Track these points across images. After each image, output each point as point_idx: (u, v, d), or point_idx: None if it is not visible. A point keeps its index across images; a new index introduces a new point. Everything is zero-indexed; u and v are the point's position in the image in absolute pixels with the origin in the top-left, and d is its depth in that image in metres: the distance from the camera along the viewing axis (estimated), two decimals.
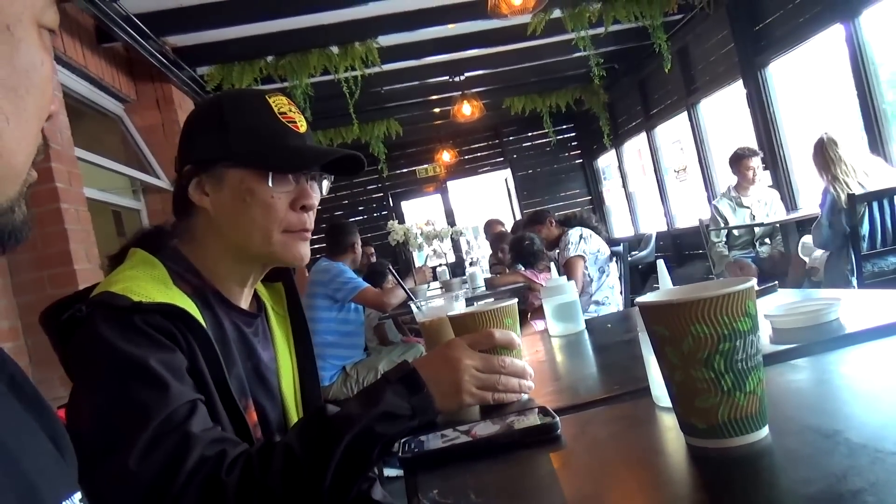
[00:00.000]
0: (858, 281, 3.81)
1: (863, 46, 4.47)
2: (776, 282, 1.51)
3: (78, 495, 0.44)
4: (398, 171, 9.58)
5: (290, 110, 1.05)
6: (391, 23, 5.09)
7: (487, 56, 6.50)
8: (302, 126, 1.05)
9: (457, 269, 8.09)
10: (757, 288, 0.64)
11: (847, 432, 0.58)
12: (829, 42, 4.84)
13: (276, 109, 1.03)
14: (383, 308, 3.89)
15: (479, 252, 8.61)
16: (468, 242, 8.72)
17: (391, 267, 2.19)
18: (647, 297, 0.66)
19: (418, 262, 6.44)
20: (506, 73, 7.10)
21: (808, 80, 5.56)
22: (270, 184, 1.00)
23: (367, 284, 3.87)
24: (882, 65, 4.63)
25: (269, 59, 5.20)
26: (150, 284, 0.94)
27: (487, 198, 10.90)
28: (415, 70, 6.49)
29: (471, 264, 7.83)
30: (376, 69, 5.37)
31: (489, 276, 4.92)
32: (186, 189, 1.02)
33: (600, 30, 5.43)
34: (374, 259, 6.13)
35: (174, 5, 4.23)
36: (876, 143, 4.52)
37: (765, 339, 1.00)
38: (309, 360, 1.18)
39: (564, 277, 1.63)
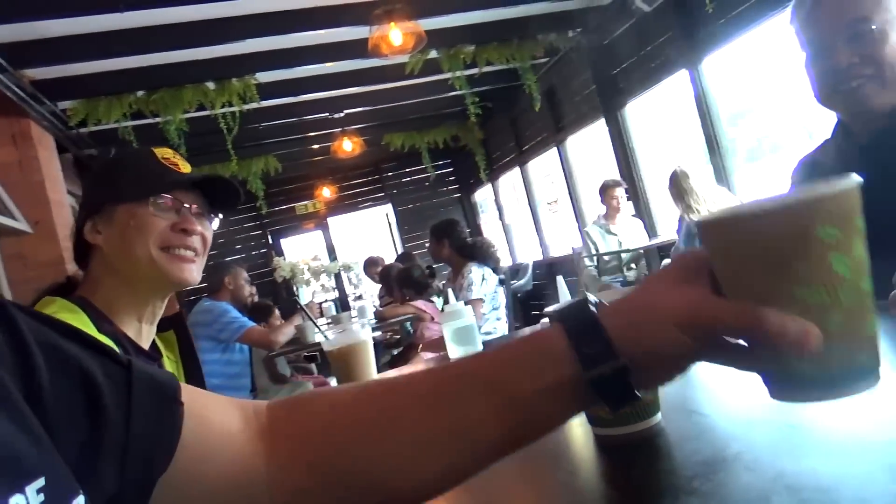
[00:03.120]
0: None
1: (705, 89, 5.01)
2: None
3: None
4: (277, 209, 9.42)
5: (174, 156, 1.18)
6: (269, 59, 5.08)
7: (367, 94, 6.61)
8: (184, 168, 1.18)
9: (343, 304, 8.03)
10: None
11: (724, 410, 0.70)
12: (677, 85, 5.39)
13: (159, 156, 1.16)
14: (270, 346, 3.82)
15: (364, 287, 8.60)
16: (356, 276, 8.69)
17: (299, 303, 2.18)
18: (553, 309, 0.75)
19: (303, 299, 6.34)
20: (385, 110, 7.25)
21: (662, 119, 6.12)
22: (151, 208, 1.12)
23: (252, 323, 3.78)
24: (722, 105, 5.21)
25: (140, 93, 5.00)
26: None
27: (369, 233, 10.94)
28: (294, 107, 6.47)
29: (357, 298, 7.80)
30: (254, 105, 5.32)
31: (379, 308, 4.96)
32: (83, 234, 1.14)
33: (474, 70, 5.71)
34: (255, 299, 5.97)
35: (34, 36, 4.00)
36: (720, 175, 5.05)
37: None
38: None
39: (462, 302, 1.71)
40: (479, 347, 1.63)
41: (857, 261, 0.44)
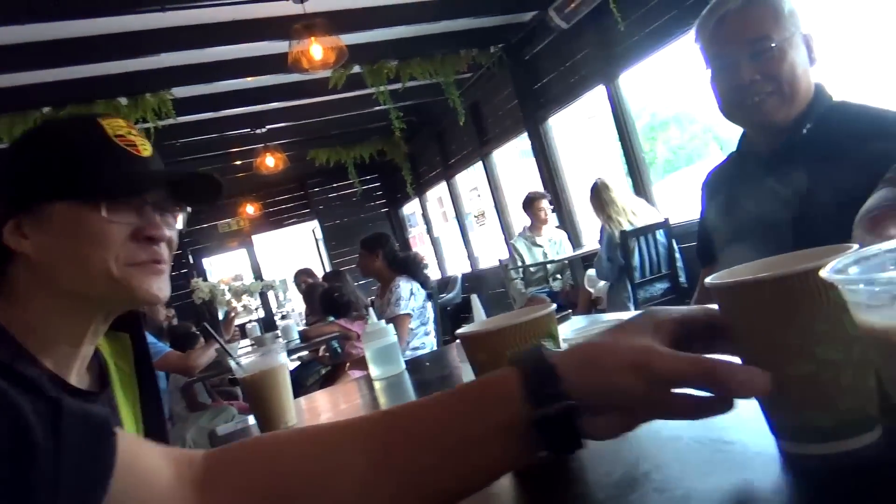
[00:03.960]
0: (635, 306, 4.33)
1: (622, 104, 5.18)
2: (570, 310, 1.69)
3: None
4: (199, 227, 9.12)
5: (129, 133, 0.91)
6: (186, 74, 4.93)
7: (290, 109, 6.51)
8: (144, 150, 0.91)
9: (268, 324, 7.83)
10: (556, 315, 0.74)
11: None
12: (596, 99, 5.55)
13: (110, 132, 0.89)
14: (189, 372, 3.66)
15: (291, 305, 8.42)
16: (280, 295, 8.49)
17: (206, 325, 2.09)
18: (467, 329, 0.73)
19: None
20: (309, 125, 7.15)
21: (583, 133, 6.28)
22: (105, 213, 0.86)
23: (168, 349, 3.62)
24: (638, 118, 5.40)
25: (46, 110, 4.74)
26: None
27: (295, 250, 10.73)
28: (214, 122, 6.30)
29: (283, 318, 7.62)
30: (171, 121, 5.14)
31: (304, 328, 4.84)
32: (1, 236, 0.86)
33: (398, 85, 5.71)
34: (174, 322, 5.73)
35: None
36: (638, 186, 5.22)
37: None
38: (160, 431, 1.02)
39: (383, 321, 1.68)
40: (402, 366, 1.60)
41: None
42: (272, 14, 4.33)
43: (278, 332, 4.68)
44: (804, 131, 1.45)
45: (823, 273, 0.32)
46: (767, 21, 1.43)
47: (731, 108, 1.52)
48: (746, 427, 0.60)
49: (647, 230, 4.35)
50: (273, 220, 9.75)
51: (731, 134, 1.70)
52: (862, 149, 1.32)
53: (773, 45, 1.40)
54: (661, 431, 0.65)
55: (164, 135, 5.28)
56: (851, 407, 0.49)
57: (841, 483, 0.47)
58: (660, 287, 4.45)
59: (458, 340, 0.76)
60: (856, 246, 0.51)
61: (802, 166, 1.43)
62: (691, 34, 1.57)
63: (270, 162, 6.50)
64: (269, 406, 1.24)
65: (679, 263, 4.48)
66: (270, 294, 8.85)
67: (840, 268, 0.33)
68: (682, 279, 4.49)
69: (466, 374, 0.88)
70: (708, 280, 0.55)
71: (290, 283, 8.00)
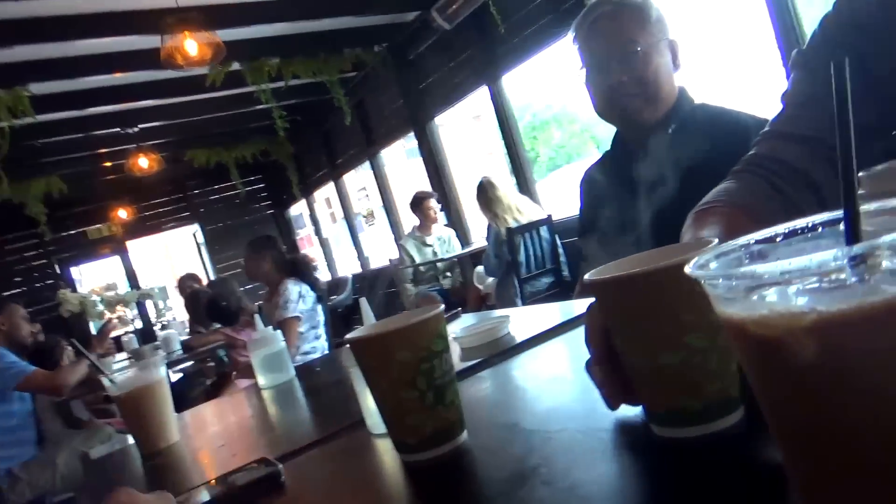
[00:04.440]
0: (522, 301, 4.46)
1: (505, 104, 5.32)
2: (459, 308, 1.72)
3: None
4: (65, 234, 8.46)
5: None
6: (45, 69, 4.54)
7: (164, 107, 6.17)
8: None
9: (147, 335, 7.39)
10: (445, 315, 0.74)
11: (523, 422, 0.71)
12: (480, 100, 5.66)
13: None
14: (59, 392, 3.38)
15: (172, 314, 7.99)
16: (160, 304, 8.03)
17: (73, 340, 1.94)
18: (355, 334, 0.72)
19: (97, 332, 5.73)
20: (186, 124, 6.81)
21: (469, 132, 6.39)
22: None
23: (33, 368, 3.33)
24: (521, 118, 5.57)
25: None
26: None
27: (176, 255, 10.20)
28: (79, 121, 5.86)
29: (163, 328, 7.22)
30: (29, 120, 4.72)
31: (188, 338, 4.61)
32: None
33: (280, 84, 5.56)
34: (40, 337, 5.28)
35: None
36: (523, 184, 5.38)
37: (455, 358, 1.14)
38: None
39: (270, 328, 1.63)
40: (291, 373, 1.56)
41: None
42: (141, 6, 4.09)
43: (158, 343, 4.42)
44: (669, 131, 1.54)
45: (687, 269, 0.34)
46: (635, 26, 1.51)
47: (603, 107, 1.61)
48: (627, 415, 0.62)
49: (532, 227, 4.50)
50: (150, 224, 9.21)
51: (608, 133, 1.79)
52: (720, 148, 1.43)
53: (639, 48, 1.49)
54: (549, 425, 0.67)
55: (21, 135, 4.85)
56: (718, 390, 0.53)
57: (711, 461, 0.51)
58: (545, 281, 4.62)
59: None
60: (716, 241, 0.55)
61: (669, 164, 1.52)
62: (570, 36, 1.63)
63: (144, 163, 6.13)
64: (149, 424, 1.16)
65: (562, 258, 4.66)
66: (149, 303, 8.36)
67: (702, 263, 0.35)
68: (566, 273, 4.67)
69: (356, 378, 0.87)
70: (585, 277, 0.57)
71: (170, 291, 7.59)
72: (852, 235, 0.33)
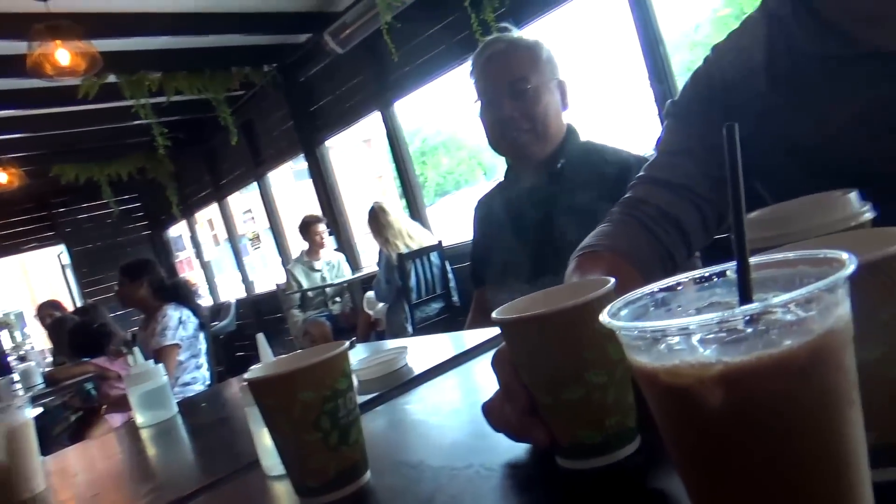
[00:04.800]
0: (412, 326, 4.47)
1: (396, 130, 5.36)
2: (353, 338, 1.69)
3: None
4: None
5: None
6: None
7: (29, 118, 5.71)
8: None
9: (2, 368, 6.70)
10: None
11: (429, 459, 0.71)
12: (372, 124, 5.67)
13: None
14: None
15: (31, 343, 7.32)
16: (17, 334, 7.33)
17: None
18: (254, 373, 0.69)
19: None
20: (54, 137, 6.33)
21: (359, 156, 6.37)
22: None
23: None
24: (411, 143, 5.63)
25: None
26: None
27: (36, 278, 9.39)
28: None
29: (20, 359, 6.59)
30: None
31: (50, 369, 4.22)
32: None
33: (162, 99, 5.30)
34: None
35: None
36: (413, 209, 5.43)
37: None
38: None
39: (151, 361, 1.53)
40: (174, 410, 1.47)
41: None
42: (6, 9, 3.78)
43: (15, 376, 4.02)
44: (559, 166, 1.62)
45: (602, 318, 0.36)
46: (527, 64, 1.59)
47: (495, 139, 1.67)
48: (532, 450, 0.64)
49: (423, 253, 4.53)
50: (7, 244, 8.42)
51: (495, 161, 1.84)
52: (604, 183, 1.52)
53: (529, 86, 1.56)
54: (455, 461, 0.68)
55: None
56: (616, 423, 0.56)
57: (614, 490, 0.53)
58: (435, 307, 4.65)
59: (233, 372, 0.72)
60: (612, 280, 0.58)
61: (558, 197, 1.60)
62: (460, 69, 1.69)
63: (2, 178, 5.63)
64: (11, 472, 1.05)
65: (452, 284, 4.72)
66: (4, 333, 7.61)
67: (613, 312, 0.37)
68: (455, 299, 4.74)
69: (253, 418, 0.83)
70: (494, 314, 0.59)
71: (29, 318, 6.97)
72: (744, 289, 0.35)
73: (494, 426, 0.66)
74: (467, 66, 1.69)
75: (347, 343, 0.71)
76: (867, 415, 0.32)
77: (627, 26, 3.70)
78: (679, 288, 0.40)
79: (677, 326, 0.31)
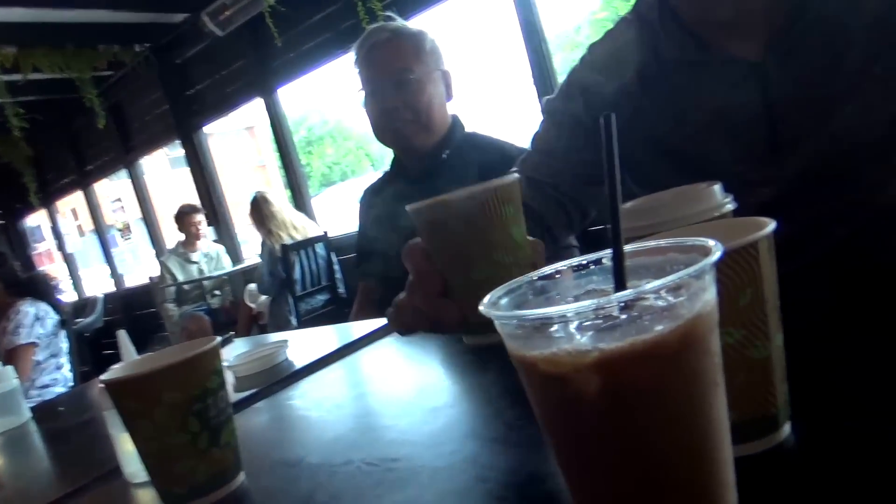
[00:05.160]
0: (297, 319, 4.36)
1: (280, 117, 5.18)
2: (232, 332, 1.62)
3: None
4: None
5: None
6: None
7: None
8: None
9: None
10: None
11: (308, 457, 0.68)
12: (255, 111, 5.46)
13: None
14: None
15: None
16: None
17: None
18: (112, 373, 0.64)
19: None
20: None
21: (241, 144, 6.13)
22: None
23: None
24: (296, 132, 5.47)
25: None
26: None
27: None
28: None
29: None
30: None
31: None
32: None
33: (17, 76, 4.83)
34: None
35: None
36: (298, 199, 5.28)
37: (228, 389, 1.07)
38: None
39: (0, 363, 1.38)
40: (26, 415, 1.34)
41: (523, 231, 0.61)
42: None
43: None
44: (444, 156, 1.62)
45: (481, 308, 0.35)
46: (410, 55, 1.57)
47: (380, 130, 1.65)
48: (413, 443, 0.63)
49: (308, 244, 4.43)
50: None
51: (382, 152, 1.83)
52: (488, 175, 1.54)
53: (412, 76, 1.55)
54: (334, 458, 0.65)
55: None
56: None
57: (493, 484, 0.53)
58: (320, 298, 4.56)
59: (99, 369, 0.66)
60: (516, 175, 0.63)
61: (443, 189, 1.60)
62: (351, 56, 1.65)
63: None
64: None
65: (338, 275, 4.65)
66: None
67: (493, 301, 0.37)
68: (342, 290, 4.66)
69: (112, 421, 0.76)
70: (409, 206, 0.62)
71: None
72: (619, 277, 0.36)
73: (402, 325, 0.67)
74: (353, 54, 1.65)
75: (219, 339, 0.67)
76: (728, 395, 0.33)
77: (512, 23, 3.78)
78: (557, 276, 0.40)
79: (556, 314, 0.31)
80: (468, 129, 1.69)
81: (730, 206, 0.61)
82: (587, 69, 1.10)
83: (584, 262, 0.40)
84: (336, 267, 4.63)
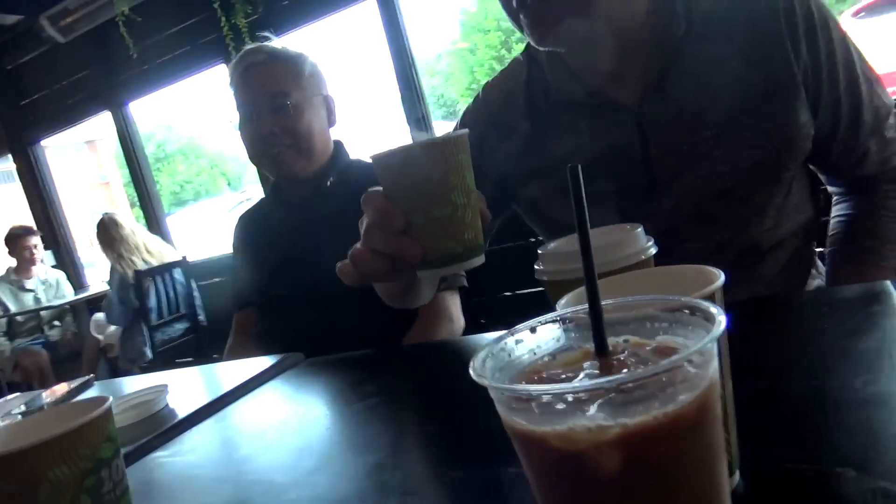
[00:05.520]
0: (152, 350, 4.03)
1: (131, 132, 4.82)
2: (91, 375, 1.45)
3: None
4: None
5: None
6: None
7: None
8: None
9: None
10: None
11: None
12: (102, 125, 5.03)
13: None
14: None
15: None
16: None
17: None
18: None
19: None
20: None
21: (87, 160, 5.64)
22: None
23: None
24: (147, 146, 5.11)
25: None
26: None
27: None
28: None
29: None
30: None
31: None
32: None
33: None
34: None
35: None
36: (151, 221, 4.92)
37: None
38: None
39: None
40: None
41: (472, 178, 0.68)
42: None
43: None
44: (328, 183, 1.57)
45: (474, 375, 0.32)
46: (287, 79, 1.51)
47: (257, 156, 1.57)
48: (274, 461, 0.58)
49: (164, 269, 4.13)
50: None
51: (240, 171, 1.74)
52: None
53: (289, 101, 1.49)
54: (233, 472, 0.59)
55: None
56: (472, 237, 0.68)
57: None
58: (179, 327, 4.26)
59: None
60: (466, 131, 0.68)
61: (329, 214, 1.54)
62: (214, 70, 1.56)
63: None
64: None
65: (198, 302, 4.36)
66: None
67: (480, 365, 0.34)
68: (202, 318, 4.38)
69: None
70: (374, 154, 0.66)
71: None
72: (599, 335, 0.35)
73: (359, 275, 0.71)
74: (216, 69, 1.56)
75: (111, 399, 0.58)
76: None
77: (383, 48, 3.79)
78: (535, 332, 0.38)
79: (570, 389, 0.29)
80: (352, 156, 1.65)
81: (652, 251, 0.63)
82: (481, 107, 1.14)
83: (559, 317, 0.38)
84: (196, 294, 4.35)
